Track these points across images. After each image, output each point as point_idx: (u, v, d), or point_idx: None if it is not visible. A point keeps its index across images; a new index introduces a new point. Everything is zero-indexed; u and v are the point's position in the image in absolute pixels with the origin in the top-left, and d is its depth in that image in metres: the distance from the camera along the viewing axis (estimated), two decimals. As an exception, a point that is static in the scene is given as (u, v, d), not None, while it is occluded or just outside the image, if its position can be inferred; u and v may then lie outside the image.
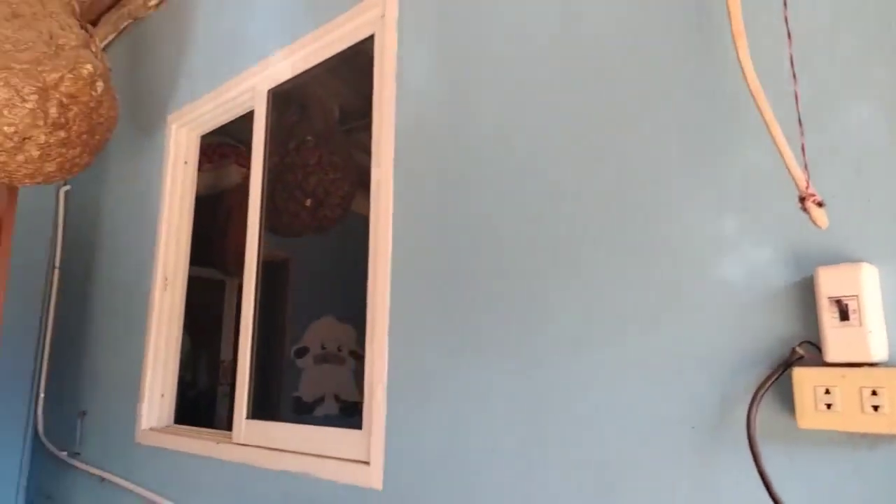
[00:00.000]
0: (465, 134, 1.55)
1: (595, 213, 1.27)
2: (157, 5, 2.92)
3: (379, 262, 1.67)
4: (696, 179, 1.14)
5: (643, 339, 1.16)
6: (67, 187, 3.33)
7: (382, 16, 1.86)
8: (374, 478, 1.57)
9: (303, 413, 4.37)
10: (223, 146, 3.72)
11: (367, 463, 1.62)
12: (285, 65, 2.18)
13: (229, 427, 2.21)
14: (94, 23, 3.08)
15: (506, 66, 1.50)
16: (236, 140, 3.81)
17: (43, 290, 3.34)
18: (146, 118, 2.83)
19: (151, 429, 2.43)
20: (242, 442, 2.03)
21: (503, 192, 1.43)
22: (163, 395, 2.48)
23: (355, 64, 2.21)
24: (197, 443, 2.16)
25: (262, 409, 2.17)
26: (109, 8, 3.15)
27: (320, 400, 4.51)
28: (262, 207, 2.21)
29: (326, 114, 3.17)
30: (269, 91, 2.25)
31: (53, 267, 3.32)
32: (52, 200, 3.41)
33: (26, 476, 3.18)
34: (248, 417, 2.06)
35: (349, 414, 4.51)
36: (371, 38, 1.95)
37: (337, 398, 4.57)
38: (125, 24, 3.10)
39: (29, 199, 3.33)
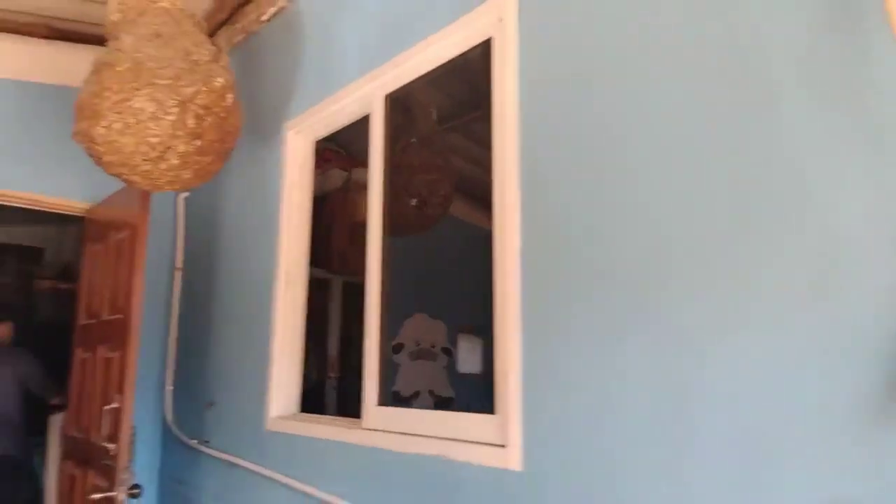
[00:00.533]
0: (592, 128, 1.59)
1: (745, 193, 1.28)
2: (270, 19, 3.09)
3: (507, 247, 1.73)
4: (851, 158, 1.15)
5: (797, 319, 1.18)
6: (186, 193, 3.57)
7: (501, 20, 1.93)
8: (512, 459, 1.65)
9: (400, 407, 4.52)
10: (326, 150, 3.89)
11: (502, 446, 1.69)
12: (402, 70, 2.29)
13: (344, 414, 2.35)
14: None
15: (631, 62, 1.53)
16: (336, 144, 3.99)
17: (166, 289, 3.59)
18: (262, 126, 3.00)
19: (280, 417, 2.59)
20: (373, 427, 2.14)
21: (645, 177, 1.46)
22: (289, 385, 2.65)
23: (448, 68, 2.29)
24: (328, 428, 2.29)
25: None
26: (223, 24, 3.35)
27: (416, 395, 4.65)
28: (383, 209, 2.32)
29: (426, 116, 3.29)
30: (386, 96, 2.37)
31: (175, 268, 3.57)
32: (172, 206, 3.67)
33: (159, 463, 3.44)
34: (377, 405, 2.18)
35: (443, 409, 4.63)
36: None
37: (431, 393, 4.70)
38: (238, 38, 3.30)
39: (152, 205, 3.58)
